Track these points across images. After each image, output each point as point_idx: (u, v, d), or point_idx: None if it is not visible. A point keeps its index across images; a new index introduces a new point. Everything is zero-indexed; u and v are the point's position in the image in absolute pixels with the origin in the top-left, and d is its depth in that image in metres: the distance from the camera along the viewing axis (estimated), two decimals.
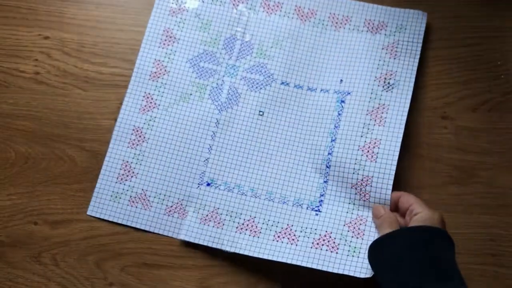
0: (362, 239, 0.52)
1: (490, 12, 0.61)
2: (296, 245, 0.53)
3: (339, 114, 0.57)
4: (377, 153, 0.54)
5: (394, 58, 0.58)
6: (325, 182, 0.56)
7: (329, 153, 0.56)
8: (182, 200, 0.57)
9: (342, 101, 0.57)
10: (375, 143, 0.55)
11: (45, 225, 0.57)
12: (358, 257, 0.51)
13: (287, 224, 0.55)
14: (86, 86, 0.61)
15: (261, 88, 0.59)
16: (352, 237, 0.53)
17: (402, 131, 0.55)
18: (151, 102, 0.59)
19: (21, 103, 0.60)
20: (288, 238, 0.54)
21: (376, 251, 0.48)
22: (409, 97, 0.56)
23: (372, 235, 0.52)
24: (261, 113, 0.58)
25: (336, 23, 0.60)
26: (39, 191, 0.58)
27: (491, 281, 0.53)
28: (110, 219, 0.56)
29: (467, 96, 0.58)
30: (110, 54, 0.61)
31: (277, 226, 0.55)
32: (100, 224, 0.57)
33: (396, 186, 0.56)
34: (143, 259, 0.56)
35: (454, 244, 0.46)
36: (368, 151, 0.55)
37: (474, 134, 0.57)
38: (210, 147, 0.58)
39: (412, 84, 0.57)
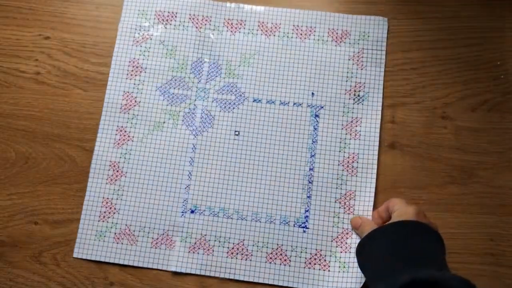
0: (350, 252, 0.53)
1: (490, 12, 0.61)
2: (289, 265, 0.54)
3: (315, 129, 0.57)
4: (357, 167, 0.56)
5: (361, 69, 0.59)
6: (308, 197, 0.56)
7: (310, 169, 0.56)
8: (168, 230, 0.56)
9: (316, 115, 0.58)
10: (353, 157, 0.56)
11: (45, 224, 0.57)
12: (348, 272, 0.52)
13: (277, 244, 0.55)
14: (86, 86, 0.61)
15: (234, 108, 0.59)
16: (341, 252, 0.53)
17: (377, 143, 0.56)
18: (124, 135, 0.58)
19: (21, 103, 0.60)
20: (281, 259, 0.54)
21: (360, 254, 0.49)
22: (380, 108, 0.58)
23: None
24: (237, 133, 0.58)
25: (301, 34, 0.60)
26: (39, 191, 0.58)
27: (490, 280, 0.53)
28: (97, 259, 0.55)
29: (467, 96, 0.58)
30: (110, 54, 0.61)
31: (267, 247, 0.55)
32: None
33: (396, 187, 0.56)
34: None
35: (433, 231, 0.46)
36: (348, 166, 0.56)
37: (473, 134, 0.57)
38: (190, 173, 0.57)
39: (380, 95, 0.58)
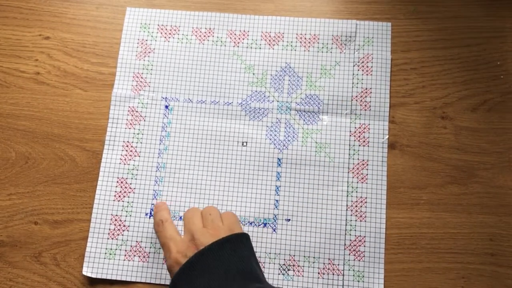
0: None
1: (490, 12, 0.61)
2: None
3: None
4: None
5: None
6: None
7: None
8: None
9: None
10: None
11: (45, 225, 0.57)
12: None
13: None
14: (86, 86, 0.61)
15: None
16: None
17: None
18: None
19: (21, 103, 0.60)
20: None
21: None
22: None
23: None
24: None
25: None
26: (39, 191, 0.58)
27: (490, 280, 0.53)
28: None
29: (467, 96, 0.58)
30: (110, 54, 0.61)
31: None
32: None
33: (396, 187, 0.56)
34: None
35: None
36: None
37: (473, 134, 0.57)
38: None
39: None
